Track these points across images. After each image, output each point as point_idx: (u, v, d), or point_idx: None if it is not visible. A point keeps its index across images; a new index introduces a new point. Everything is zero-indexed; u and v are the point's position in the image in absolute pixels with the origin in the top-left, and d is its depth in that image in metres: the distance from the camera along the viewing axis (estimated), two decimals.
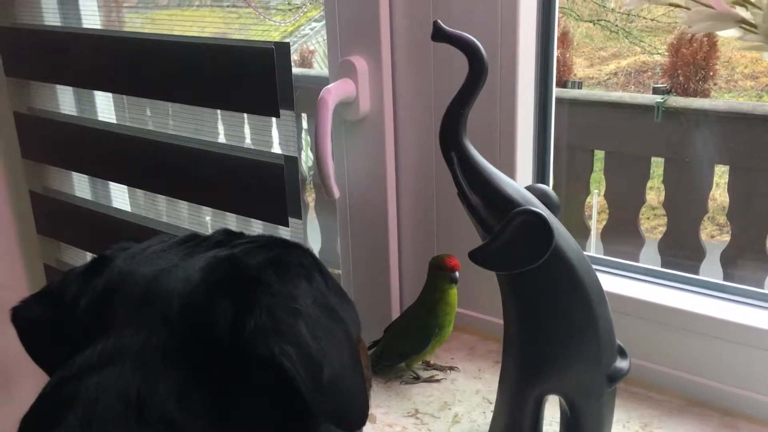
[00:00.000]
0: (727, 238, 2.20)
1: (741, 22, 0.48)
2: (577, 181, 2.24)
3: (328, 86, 0.83)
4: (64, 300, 0.46)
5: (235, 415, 0.42)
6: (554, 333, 0.60)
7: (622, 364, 0.61)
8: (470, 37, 0.55)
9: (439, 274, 0.76)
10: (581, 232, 2.26)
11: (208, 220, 1.14)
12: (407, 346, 0.78)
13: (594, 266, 0.60)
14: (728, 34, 0.49)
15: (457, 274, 0.76)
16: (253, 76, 0.86)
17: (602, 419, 0.62)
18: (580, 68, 3.09)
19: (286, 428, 0.44)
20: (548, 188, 0.63)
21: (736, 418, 0.71)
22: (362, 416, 0.47)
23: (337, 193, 0.86)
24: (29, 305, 0.48)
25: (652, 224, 2.51)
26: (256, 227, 1.03)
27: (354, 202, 0.91)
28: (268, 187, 0.90)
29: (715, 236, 2.44)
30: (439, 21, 0.56)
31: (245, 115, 1.05)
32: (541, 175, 0.85)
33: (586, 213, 2.40)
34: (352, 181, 0.90)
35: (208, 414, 0.41)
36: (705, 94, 2.45)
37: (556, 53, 0.80)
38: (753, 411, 0.71)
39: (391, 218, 0.89)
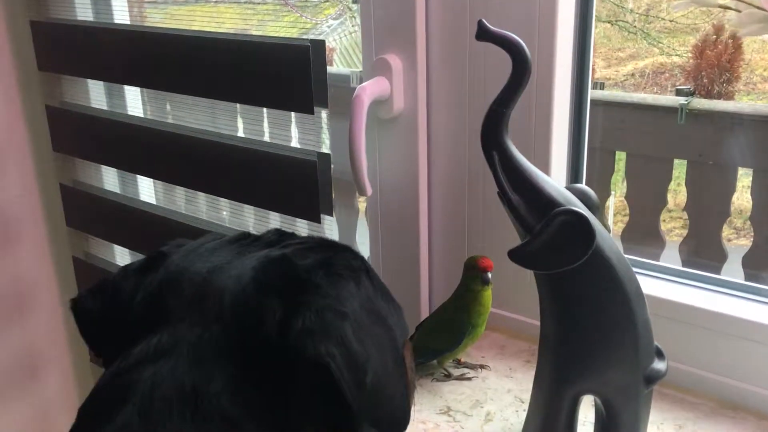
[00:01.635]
0: (744, 241, 2.18)
1: None
2: (598, 182, 2.23)
3: (363, 84, 0.84)
4: (120, 293, 0.47)
5: (283, 413, 0.42)
6: (592, 333, 0.60)
7: (659, 365, 0.61)
8: (515, 36, 0.56)
9: (472, 274, 0.76)
10: None
11: (225, 216, 1.14)
12: (440, 343, 0.78)
13: None
14: None
15: (489, 275, 0.76)
16: (288, 73, 0.86)
17: (638, 421, 0.62)
18: (597, 69, 3.08)
19: (331, 429, 0.44)
20: (588, 188, 0.63)
21: None
22: (403, 422, 0.47)
23: (369, 190, 0.87)
24: (86, 297, 0.49)
25: (669, 226, 2.50)
26: (273, 221, 1.03)
27: (385, 199, 0.91)
28: (301, 183, 0.90)
29: (732, 239, 2.43)
30: (483, 20, 0.56)
31: (264, 109, 1.05)
32: (574, 175, 0.85)
33: (606, 215, 2.39)
34: (384, 179, 0.91)
35: (259, 411, 0.41)
36: (729, 96, 2.43)
37: (592, 52, 0.80)
38: None
39: (422, 216, 0.89)
